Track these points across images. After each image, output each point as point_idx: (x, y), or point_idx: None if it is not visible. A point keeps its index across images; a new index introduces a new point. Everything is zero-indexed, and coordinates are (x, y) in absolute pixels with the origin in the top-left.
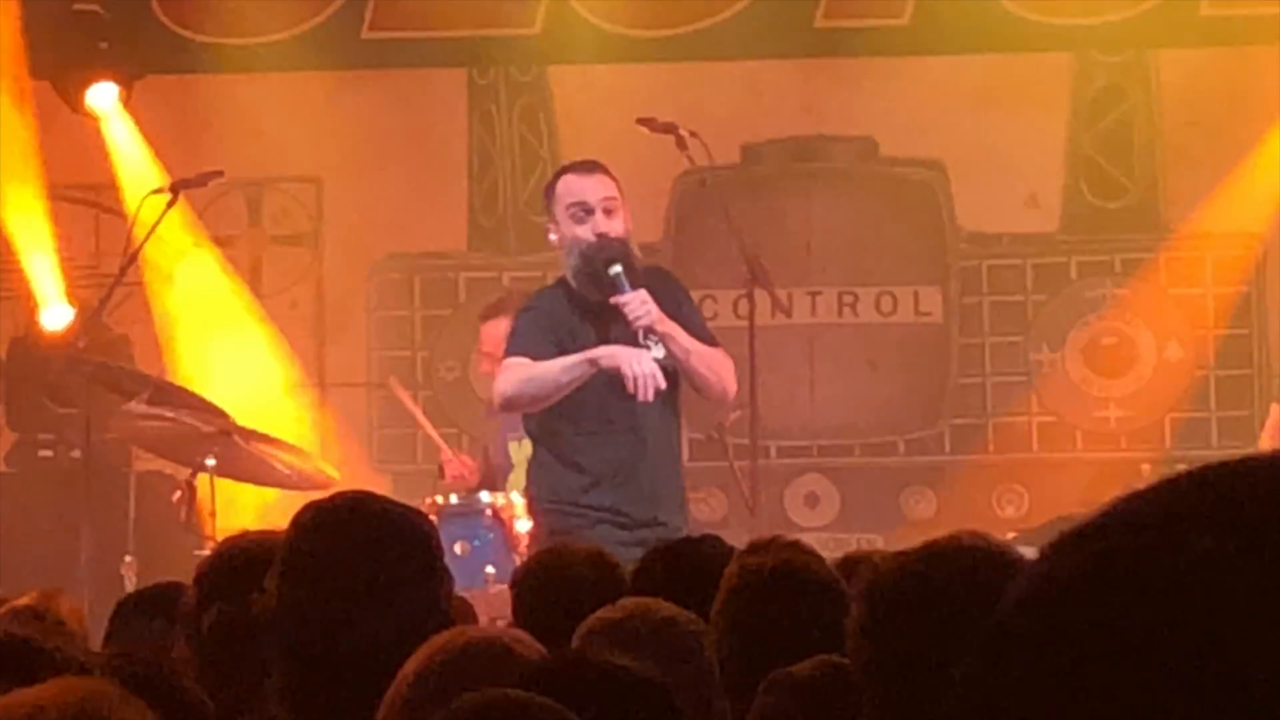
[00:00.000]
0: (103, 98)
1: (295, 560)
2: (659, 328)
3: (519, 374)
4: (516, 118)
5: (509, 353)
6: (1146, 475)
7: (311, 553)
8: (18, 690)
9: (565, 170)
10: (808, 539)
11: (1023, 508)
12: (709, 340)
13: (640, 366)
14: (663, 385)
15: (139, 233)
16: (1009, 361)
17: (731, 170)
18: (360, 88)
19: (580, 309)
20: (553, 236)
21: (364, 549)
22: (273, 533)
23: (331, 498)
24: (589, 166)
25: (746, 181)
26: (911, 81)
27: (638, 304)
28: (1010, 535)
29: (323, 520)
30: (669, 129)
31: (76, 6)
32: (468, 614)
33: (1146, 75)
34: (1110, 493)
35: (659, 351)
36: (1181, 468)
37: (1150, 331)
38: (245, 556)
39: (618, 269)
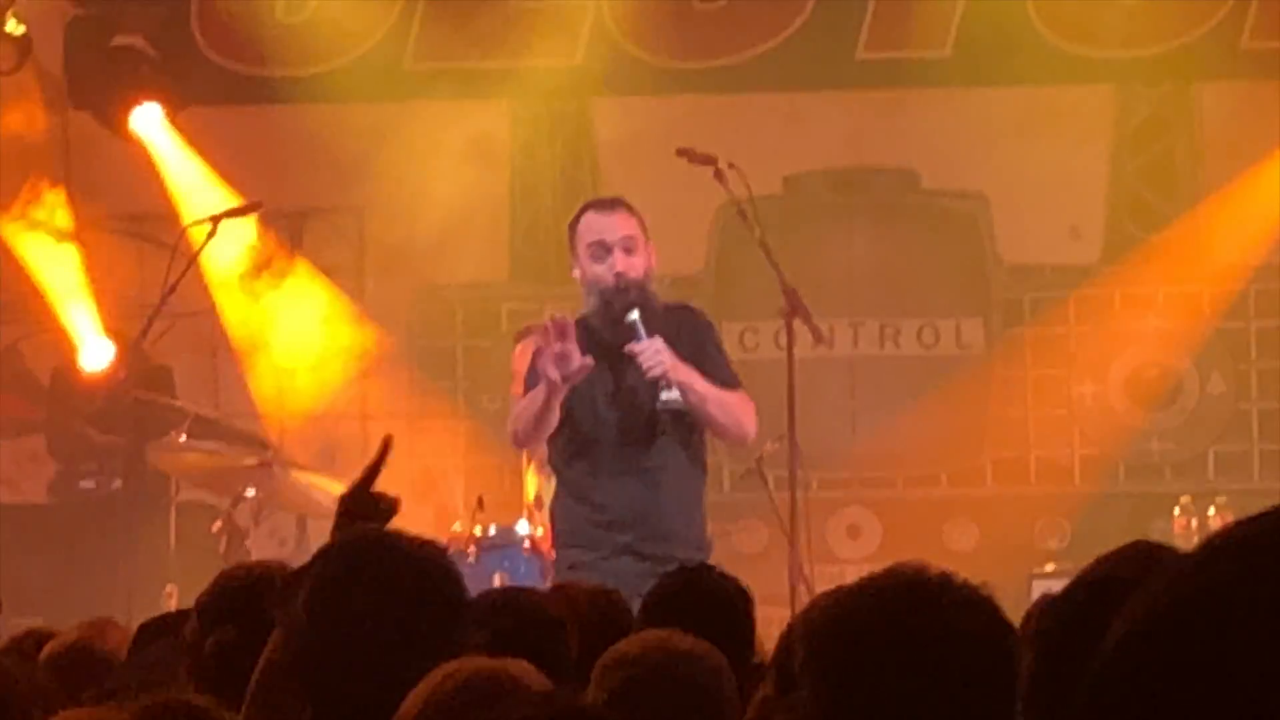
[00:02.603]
0: (148, 120)
1: (317, 598)
2: (672, 376)
3: (513, 412)
4: (558, 148)
5: (526, 383)
6: (1187, 508)
7: (333, 591)
8: None
9: (587, 207)
10: (849, 571)
11: (1065, 540)
12: (730, 381)
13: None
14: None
15: (188, 259)
16: (1051, 394)
17: (773, 201)
18: (402, 119)
19: (597, 349)
20: (575, 273)
21: (385, 587)
22: (271, 564)
23: (353, 536)
24: (610, 204)
25: (788, 213)
26: (953, 113)
27: (651, 354)
28: (1049, 567)
29: (344, 559)
30: (709, 160)
31: (118, 39)
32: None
33: (1188, 107)
34: (1153, 526)
35: (674, 395)
36: (1222, 500)
37: (1193, 364)
38: (243, 586)
39: (634, 316)
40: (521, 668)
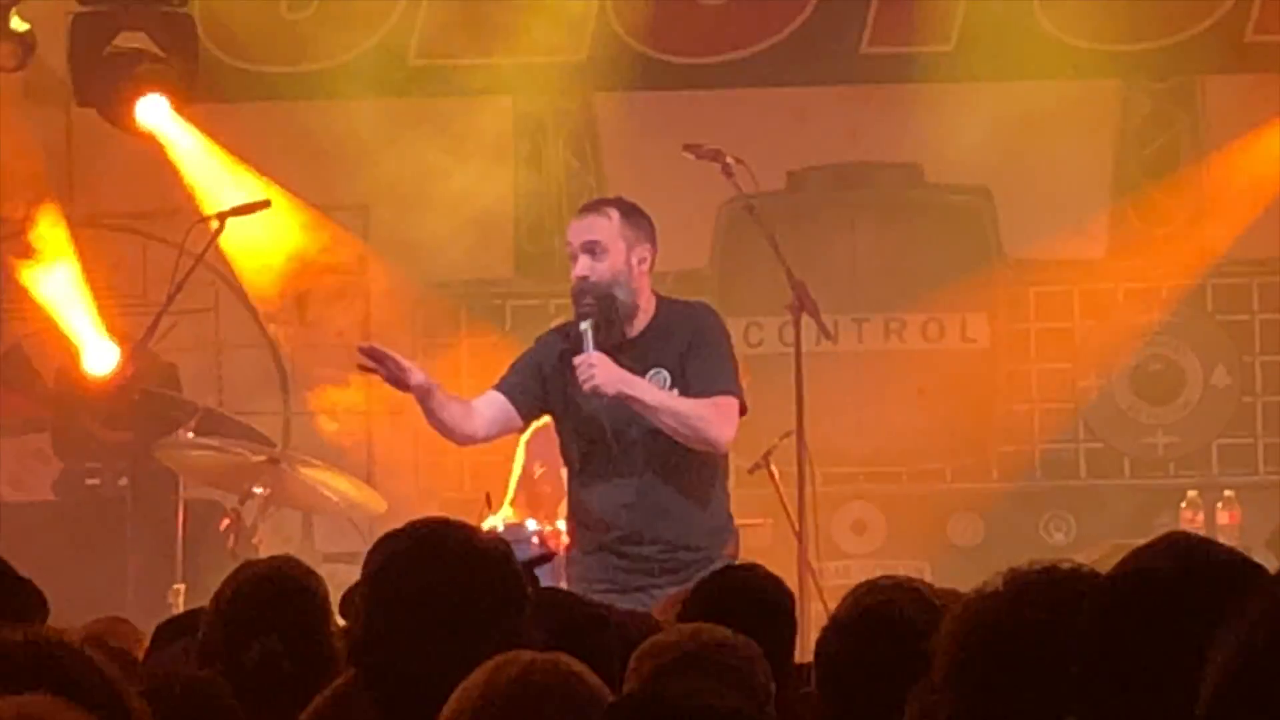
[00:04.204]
0: (154, 111)
1: (380, 588)
2: (606, 390)
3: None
4: (562, 145)
5: None
6: (1194, 502)
7: (397, 581)
8: None
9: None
10: (854, 566)
11: (1071, 534)
12: (715, 384)
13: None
14: None
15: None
16: (1056, 388)
17: (777, 197)
18: (407, 115)
19: (574, 351)
20: None
21: (449, 576)
22: (286, 560)
23: (414, 525)
24: (588, 207)
25: (792, 208)
26: (957, 108)
27: (585, 368)
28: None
29: (407, 548)
30: (714, 156)
31: (122, 36)
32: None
33: (1192, 101)
34: (1158, 519)
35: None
36: (1230, 494)
37: (1197, 357)
38: (272, 589)
39: (585, 325)
40: (575, 663)
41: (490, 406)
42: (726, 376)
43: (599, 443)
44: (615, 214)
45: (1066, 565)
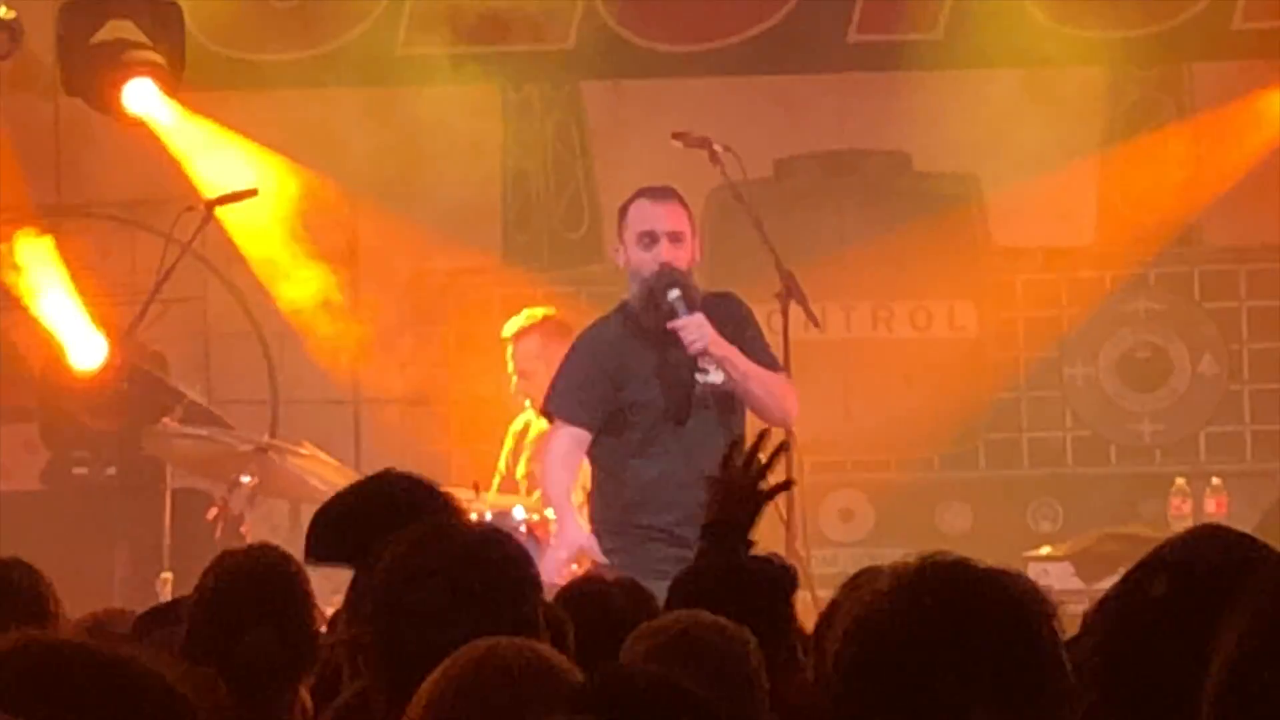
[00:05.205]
0: (143, 96)
1: (388, 595)
2: (714, 351)
3: (546, 460)
4: (550, 133)
5: (555, 381)
6: (1182, 490)
7: (405, 583)
8: None
9: (640, 194)
10: (842, 555)
11: (1058, 522)
12: (772, 365)
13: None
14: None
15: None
16: (1043, 376)
17: (765, 184)
18: (395, 103)
19: (639, 334)
20: (620, 258)
21: (458, 573)
22: (267, 547)
23: (414, 528)
24: (663, 193)
25: (780, 196)
26: (945, 95)
27: (693, 328)
28: (1043, 550)
29: (413, 548)
30: (703, 143)
31: (110, 24)
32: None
33: (1180, 88)
34: (1145, 507)
35: (717, 376)
36: (1218, 482)
37: (1184, 345)
38: (254, 577)
39: (675, 293)
40: (543, 646)
41: (582, 445)
42: (778, 361)
43: (646, 424)
44: (685, 207)
45: (951, 558)
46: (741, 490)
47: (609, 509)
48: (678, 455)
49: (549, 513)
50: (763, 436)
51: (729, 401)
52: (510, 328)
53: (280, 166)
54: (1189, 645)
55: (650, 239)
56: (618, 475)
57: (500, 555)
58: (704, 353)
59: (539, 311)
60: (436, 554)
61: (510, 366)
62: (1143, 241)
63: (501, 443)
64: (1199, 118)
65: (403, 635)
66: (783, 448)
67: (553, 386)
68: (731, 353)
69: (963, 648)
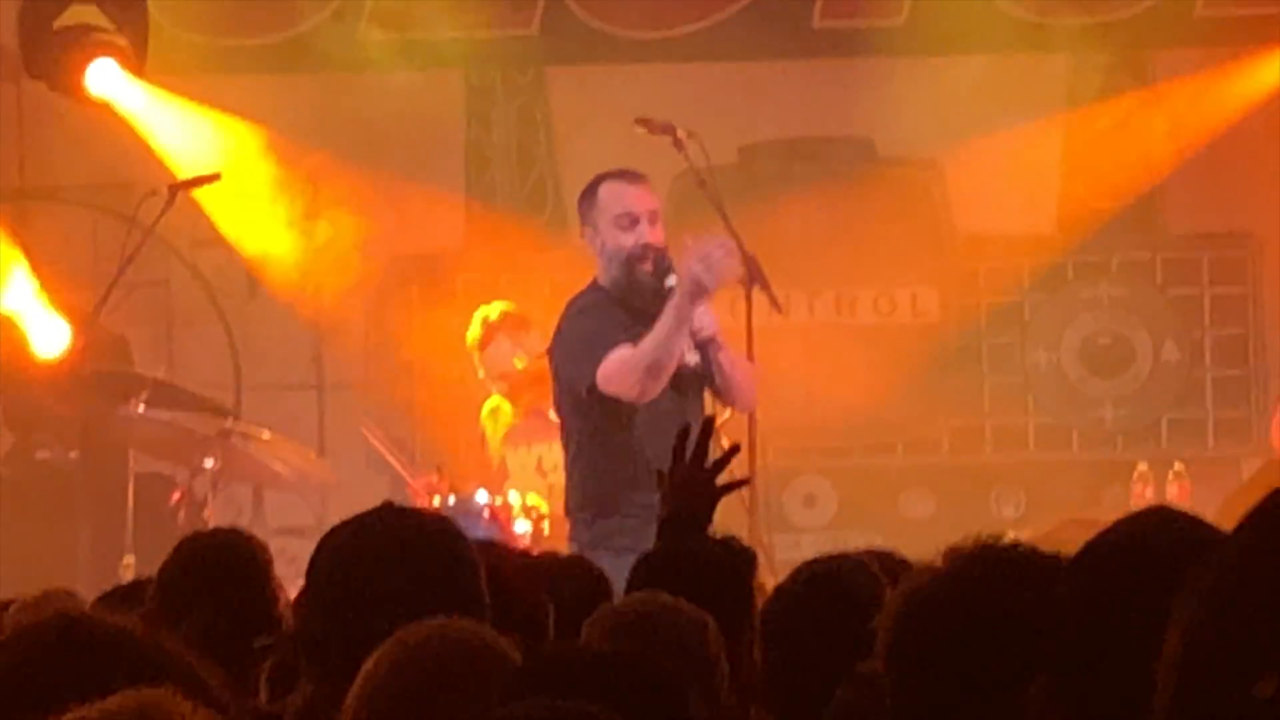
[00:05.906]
0: (105, 77)
1: (328, 580)
2: (719, 337)
3: (636, 362)
4: (513, 119)
5: (593, 350)
6: (1144, 475)
7: (346, 570)
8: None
9: (608, 176)
10: (805, 540)
11: (1021, 508)
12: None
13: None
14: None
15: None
16: (1006, 362)
17: (728, 170)
18: (357, 89)
19: (621, 314)
20: (594, 241)
21: (398, 563)
22: (231, 531)
23: (360, 516)
24: (635, 176)
25: (743, 182)
26: (908, 82)
27: (704, 314)
28: (1006, 535)
29: (354, 538)
30: (667, 130)
31: (74, 9)
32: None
33: (1143, 75)
34: (1108, 493)
35: (693, 358)
36: (1179, 467)
37: (1146, 332)
38: (218, 560)
39: (673, 281)
40: (485, 629)
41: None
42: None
43: (662, 397)
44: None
45: (1006, 541)
46: (698, 485)
47: (603, 485)
48: (664, 435)
49: (510, 496)
50: (708, 425)
51: (700, 384)
52: (472, 336)
53: (246, 134)
54: (1139, 627)
55: (629, 220)
56: (616, 453)
57: (439, 537)
58: (711, 340)
59: (494, 310)
60: (375, 538)
61: (481, 374)
62: (1105, 228)
63: (474, 431)
64: (1160, 95)
65: (344, 621)
66: (734, 450)
67: (576, 361)
68: (725, 339)
69: (1024, 621)
